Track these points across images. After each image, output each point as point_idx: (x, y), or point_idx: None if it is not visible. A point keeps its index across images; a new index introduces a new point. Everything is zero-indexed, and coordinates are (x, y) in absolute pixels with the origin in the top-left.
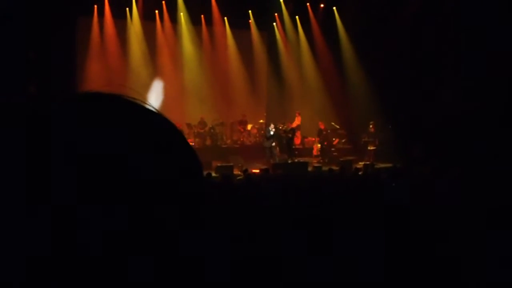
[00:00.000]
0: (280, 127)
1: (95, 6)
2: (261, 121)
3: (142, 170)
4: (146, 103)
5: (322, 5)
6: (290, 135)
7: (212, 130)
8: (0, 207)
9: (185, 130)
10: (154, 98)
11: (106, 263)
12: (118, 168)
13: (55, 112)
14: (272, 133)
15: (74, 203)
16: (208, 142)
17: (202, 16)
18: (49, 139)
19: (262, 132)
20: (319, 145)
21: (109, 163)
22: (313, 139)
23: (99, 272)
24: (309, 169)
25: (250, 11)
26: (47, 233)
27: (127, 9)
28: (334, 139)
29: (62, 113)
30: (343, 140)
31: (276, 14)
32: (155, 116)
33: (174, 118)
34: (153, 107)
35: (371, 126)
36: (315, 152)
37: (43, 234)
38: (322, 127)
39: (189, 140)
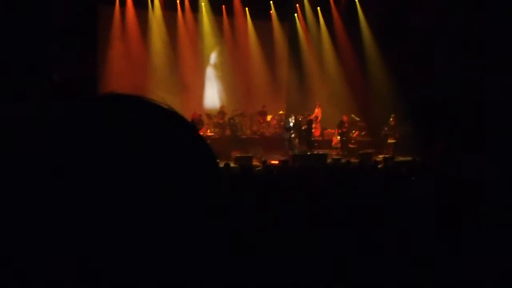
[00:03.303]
0: (300, 119)
1: None
2: (281, 112)
3: (157, 171)
4: (162, 103)
5: None
6: (305, 127)
7: (231, 121)
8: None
9: (205, 120)
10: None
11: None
12: (133, 170)
13: (70, 114)
14: (291, 124)
15: (88, 203)
16: (227, 132)
17: (223, 6)
18: (64, 142)
19: (282, 123)
20: (338, 137)
21: (124, 164)
22: (333, 131)
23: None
24: (328, 161)
25: (271, 2)
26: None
27: None
28: (354, 131)
29: (77, 114)
30: (363, 133)
31: (297, 4)
32: (169, 115)
33: (194, 108)
34: (166, 105)
35: (391, 119)
36: (333, 143)
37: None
38: (345, 119)
39: (208, 130)
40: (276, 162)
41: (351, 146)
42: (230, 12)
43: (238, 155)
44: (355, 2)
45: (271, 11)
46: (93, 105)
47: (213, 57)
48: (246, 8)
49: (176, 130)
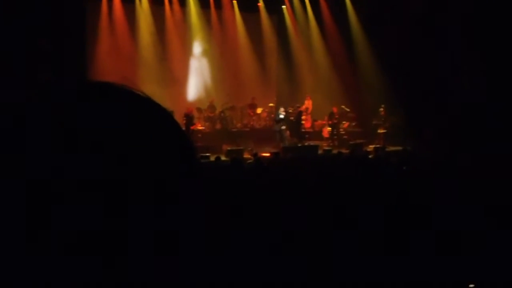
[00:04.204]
0: (290, 111)
1: None
2: (271, 104)
3: (134, 159)
4: (138, 91)
5: None
6: (293, 118)
7: (222, 114)
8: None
9: (195, 115)
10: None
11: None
12: (111, 157)
13: (50, 104)
14: (282, 116)
15: (68, 191)
16: (218, 126)
17: None
18: (44, 131)
19: (272, 115)
20: (329, 128)
21: (102, 152)
22: (323, 122)
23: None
24: (319, 152)
25: None
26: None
27: None
28: (344, 122)
29: (57, 105)
30: (353, 123)
31: None
32: (148, 103)
33: (184, 102)
34: (144, 93)
35: (381, 109)
36: (325, 134)
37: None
38: (335, 110)
39: (199, 124)
40: (267, 154)
41: (342, 137)
42: (218, 5)
43: (229, 148)
44: None
45: (259, 3)
46: (68, 93)
47: (202, 50)
48: (234, 1)
49: (151, 116)
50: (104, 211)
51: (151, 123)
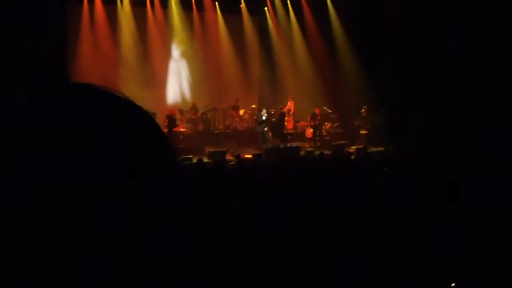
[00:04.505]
0: (273, 112)
1: None
2: (253, 106)
3: (112, 161)
4: (117, 92)
5: None
6: (275, 120)
7: (204, 116)
8: None
9: (177, 116)
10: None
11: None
12: (89, 159)
13: (23, 107)
14: (264, 118)
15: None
16: (200, 127)
17: (193, 1)
18: (17, 133)
19: (254, 117)
20: (311, 129)
21: (80, 154)
22: (305, 123)
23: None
24: (302, 153)
25: None
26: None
27: None
28: (326, 123)
29: (31, 107)
30: (336, 124)
31: None
32: (126, 104)
33: (166, 104)
34: (124, 96)
35: (363, 110)
36: (308, 135)
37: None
38: (317, 111)
39: (181, 126)
40: (250, 156)
41: (324, 138)
42: (200, 7)
43: (212, 150)
44: None
45: (241, 5)
46: (42, 93)
47: (184, 52)
48: (216, 3)
49: (129, 116)
50: (74, 210)
51: (129, 123)
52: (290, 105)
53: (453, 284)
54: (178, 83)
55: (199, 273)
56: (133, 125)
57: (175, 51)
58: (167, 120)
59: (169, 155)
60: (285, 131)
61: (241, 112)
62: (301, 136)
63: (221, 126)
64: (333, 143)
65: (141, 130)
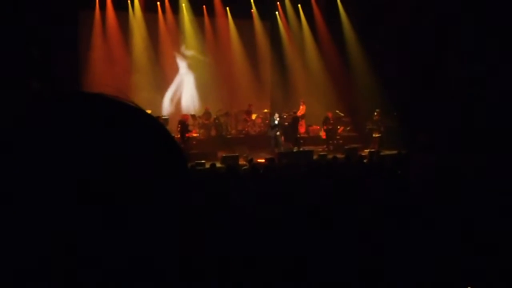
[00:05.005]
0: (285, 116)
1: None
2: (266, 110)
3: (124, 170)
4: (128, 101)
5: None
6: (287, 124)
7: (216, 121)
8: None
9: (190, 122)
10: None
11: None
12: (99, 168)
13: (30, 114)
14: (276, 122)
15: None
16: (213, 133)
17: (204, 6)
18: (23, 141)
19: (267, 121)
20: (324, 132)
21: (87, 164)
22: (318, 127)
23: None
24: (314, 157)
25: (252, 1)
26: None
27: (129, 1)
28: (339, 127)
29: (37, 114)
30: (348, 128)
31: (278, 2)
32: (136, 113)
33: (178, 109)
34: (135, 104)
35: (376, 113)
36: (323, 136)
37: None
38: (329, 115)
39: (193, 131)
40: (263, 160)
41: (337, 141)
42: (211, 12)
43: (224, 155)
44: None
45: (252, 10)
46: (58, 105)
47: (196, 57)
48: (227, 8)
49: (139, 126)
50: (79, 212)
51: (138, 132)
52: (302, 109)
53: None
54: (190, 88)
55: (207, 275)
56: (143, 134)
57: (187, 56)
58: (179, 125)
59: (180, 162)
60: (298, 135)
61: (254, 116)
62: (313, 139)
63: (233, 131)
64: (346, 147)
65: (151, 138)
